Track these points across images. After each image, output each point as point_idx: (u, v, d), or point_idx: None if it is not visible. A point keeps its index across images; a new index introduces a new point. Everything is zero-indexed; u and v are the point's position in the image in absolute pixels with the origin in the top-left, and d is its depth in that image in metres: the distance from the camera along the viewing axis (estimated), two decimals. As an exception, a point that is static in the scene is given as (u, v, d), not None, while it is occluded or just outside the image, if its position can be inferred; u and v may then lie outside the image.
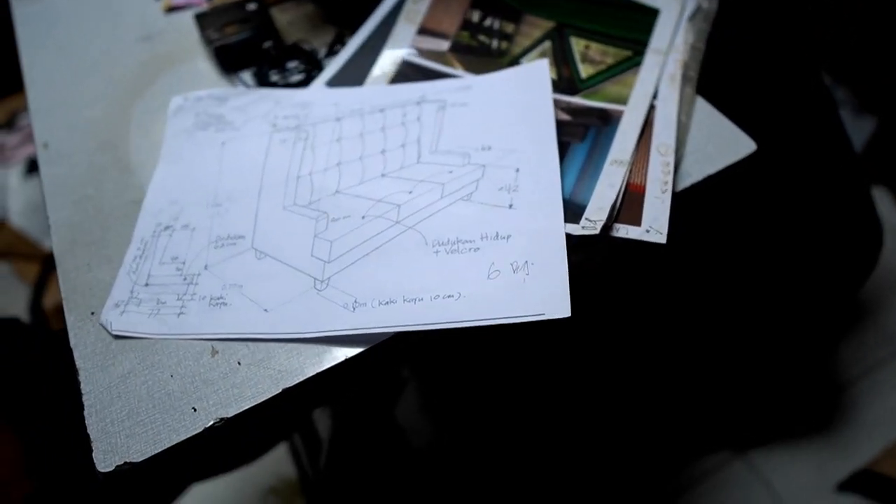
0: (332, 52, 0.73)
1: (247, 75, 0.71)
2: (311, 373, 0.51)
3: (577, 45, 0.69)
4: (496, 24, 0.71)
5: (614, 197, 0.56)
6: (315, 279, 0.54)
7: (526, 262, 0.51)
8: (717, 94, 0.66)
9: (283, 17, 0.78)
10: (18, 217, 1.41)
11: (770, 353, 1.12)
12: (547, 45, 0.69)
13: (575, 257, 0.52)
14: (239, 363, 0.52)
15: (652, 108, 0.63)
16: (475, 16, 0.72)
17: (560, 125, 0.61)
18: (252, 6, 0.74)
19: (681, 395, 1.14)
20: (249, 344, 0.52)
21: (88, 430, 0.49)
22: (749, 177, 0.62)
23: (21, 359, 1.02)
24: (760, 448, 1.20)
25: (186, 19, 0.80)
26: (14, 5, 0.85)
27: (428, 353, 0.54)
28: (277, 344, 0.52)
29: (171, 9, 0.82)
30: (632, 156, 0.59)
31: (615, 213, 0.55)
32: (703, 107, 0.66)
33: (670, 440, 1.17)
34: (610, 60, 0.68)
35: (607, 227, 0.54)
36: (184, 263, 0.57)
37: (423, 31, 0.71)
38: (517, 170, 0.57)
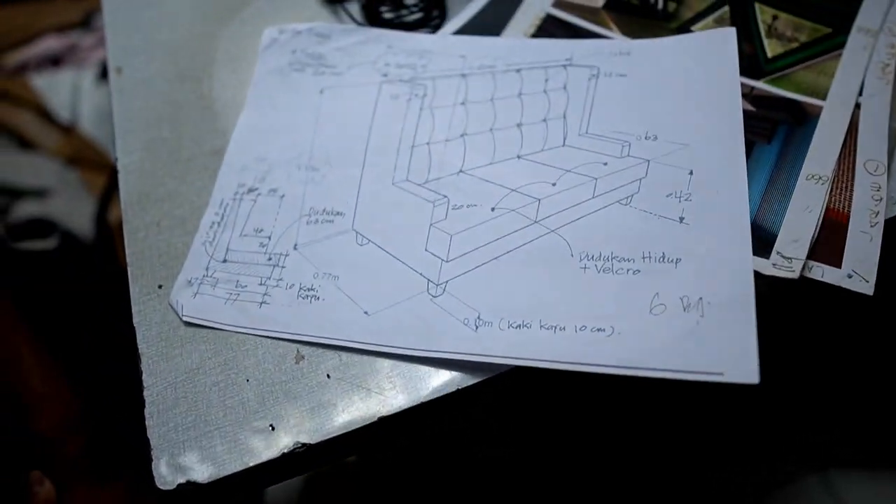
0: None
1: (354, 7, 0.58)
2: (415, 401, 0.41)
3: (763, 13, 0.55)
4: (663, -23, 0.57)
5: (814, 227, 0.44)
6: (429, 281, 0.44)
7: (700, 298, 0.40)
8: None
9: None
10: (89, 123, 1.32)
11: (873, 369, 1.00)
12: (725, 10, 0.55)
13: (760, 303, 0.40)
14: (328, 376, 0.43)
15: (857, 107, 0.50)
16: (637, -38, 0.58)
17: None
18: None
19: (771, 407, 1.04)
20: (342, 353, 0.43)
21: (148, 434, 0.42)
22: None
23: (77, 287, 0.96)
24: (840, 466, 1.10)
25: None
26: None
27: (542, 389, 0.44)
28: (376, 357, 0.43)
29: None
30: (833, 170, 0.47)
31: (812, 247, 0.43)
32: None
33: (749, 446, 1.07)
34: (803, 37, 0.54)
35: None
36: (269, 238, 0.47)
37: (573, -24, 0.58)
38: (690, 172, 0.45)
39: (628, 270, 0.42)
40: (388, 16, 0.57)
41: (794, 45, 0.54)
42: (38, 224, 1.15)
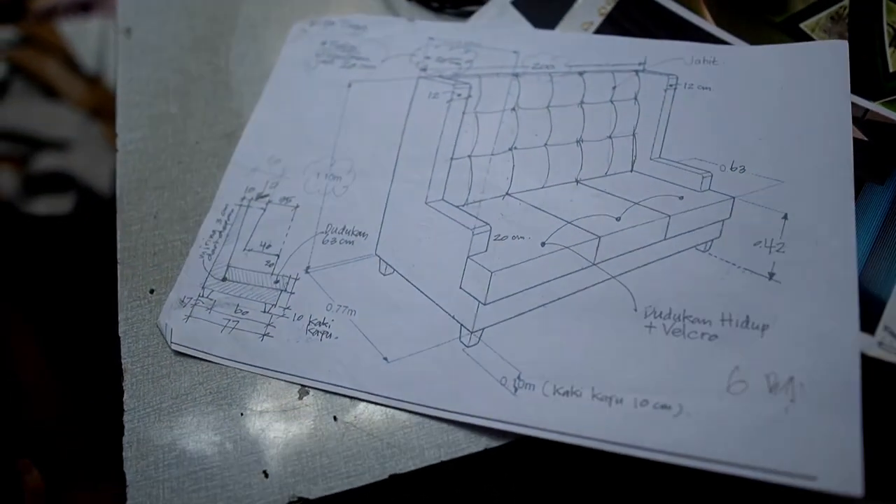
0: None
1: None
2: (432, 459, 0.35)
3: (891, 14, 0.46)
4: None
5: (935, 295, 0.36)
6: (462, 326, 0.37)
7: (791, 378, 0.33)
8: None
9: None
10: (115, 74, 1.28)
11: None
12: (844, 5, 0.46)
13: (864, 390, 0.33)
14: (335, 418, 0.37)
15: None
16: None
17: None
18: None
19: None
20: (354, 395, 0.37)
21: (125, 468, 0.37)
22: None
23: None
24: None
25: None
26: None
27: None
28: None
29: None
30: (959, 222, 0.39)
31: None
32: None
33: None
34: (932, 50, 0.45)
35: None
36: (277, 257, 0.41)
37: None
38: (785, 216, 0.38)
39: (703, 335, 0.35)
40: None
41: (919, 59, 0.45)
42: (56, 178, 1.11)
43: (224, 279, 0.40)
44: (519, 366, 0.36)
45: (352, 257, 0.40)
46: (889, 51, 0.45)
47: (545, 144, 0.42)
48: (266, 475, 0.36)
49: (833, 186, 0.38)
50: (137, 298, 0.41)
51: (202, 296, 0.40)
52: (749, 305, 0.35)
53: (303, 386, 0.37)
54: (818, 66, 0.42)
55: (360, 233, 0.41)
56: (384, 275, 0.39)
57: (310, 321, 0.38)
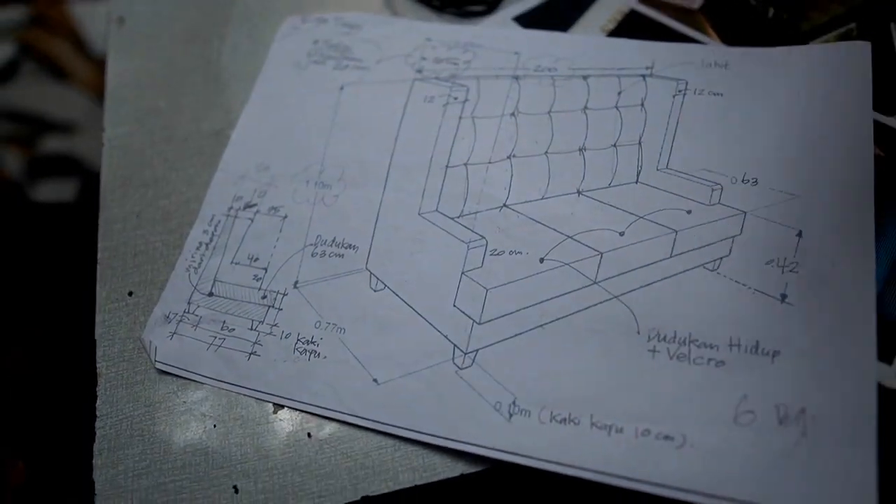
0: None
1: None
2: (406, 483, 0.34)
3: (901, 28, 0.44)
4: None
5: (959, 320, 0.34)
6: (455, 347, 0.35)
7: (802, 410, 0.31)
8: None
9: None
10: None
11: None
12: (852, 27, 0.44)
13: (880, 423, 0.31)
14: (309, 435, 0.36)
15: None
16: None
17: (871, 162, 0.38)
18: None
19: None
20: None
21: (94, 475, 0.36)
22: None
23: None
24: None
25: None
26: None
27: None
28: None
29: None
30: None
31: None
32: None
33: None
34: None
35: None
36: (265, 271, 0.39)
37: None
38: (799, 234, 0.35)
39: (710, 360, 0.33)
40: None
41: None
42: (61, 161, 1.12)
43: (210, 294, 0.38)
44: (514, 390, 0.34)
45: (342, 271, 0.38)
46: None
47: (546, 152, 0.40)
48: (236, 490, 0.35)
49: (852, 202, 0.36)
50: (116, 300, 0.40)
51: (188, 311, 0.38)
52: (759, 330, 0.33)
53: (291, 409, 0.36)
54: (839, 70, 0.40)
55: (350, 245, 0.39)
56: (375, 290, 0.37)
57: (298, 339, 0.37)
